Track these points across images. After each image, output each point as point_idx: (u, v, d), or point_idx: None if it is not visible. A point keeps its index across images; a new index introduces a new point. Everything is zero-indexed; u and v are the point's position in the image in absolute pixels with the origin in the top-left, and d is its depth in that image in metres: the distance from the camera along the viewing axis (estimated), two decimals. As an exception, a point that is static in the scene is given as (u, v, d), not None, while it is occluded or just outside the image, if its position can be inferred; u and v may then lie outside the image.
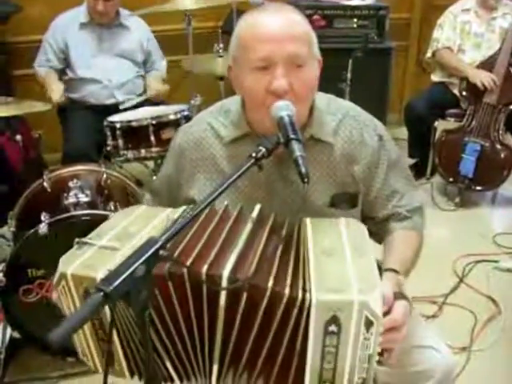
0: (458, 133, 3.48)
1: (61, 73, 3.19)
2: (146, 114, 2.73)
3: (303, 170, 1.06)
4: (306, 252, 1.11)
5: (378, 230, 1.46)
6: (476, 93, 3.38)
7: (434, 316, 2.55)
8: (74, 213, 2.15)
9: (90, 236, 1.23)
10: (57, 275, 1.13)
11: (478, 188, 3.47)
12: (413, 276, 2.74)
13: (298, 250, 1.14)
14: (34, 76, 3.23)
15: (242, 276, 1.02)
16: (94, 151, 2.88)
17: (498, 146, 3.38)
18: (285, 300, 1.01)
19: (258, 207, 1.24)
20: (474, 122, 3.41)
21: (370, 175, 1.40)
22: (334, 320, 1.00)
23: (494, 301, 2.63)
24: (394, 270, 1.28)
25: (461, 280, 2.80)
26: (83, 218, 2.14)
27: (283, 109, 1.17)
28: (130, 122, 2.64)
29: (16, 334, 2.23)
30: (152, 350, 1.07)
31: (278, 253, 1.10)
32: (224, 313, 1.04)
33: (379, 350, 1.06)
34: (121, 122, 2.65)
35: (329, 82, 3.46)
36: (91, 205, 2.24)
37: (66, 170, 2.47)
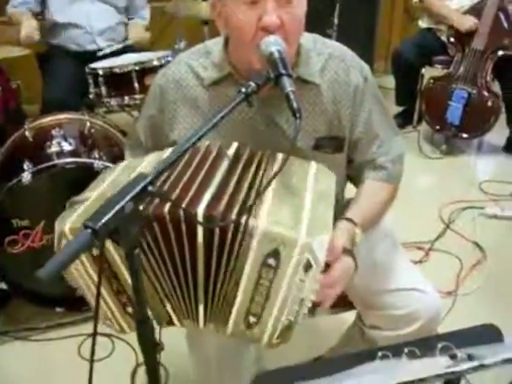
0: (445, 80, 3.45)
1: (37, 14, 3.06)
2: (129, 60, 2.65)
3: (295, 104, 1.03)
4: (271, 186, 1.10)
5: (355, 176, 1.45)
6: (464, 39, 3.34)
7: (420, 261, 2.57)
8: (57, 161, 2.11)
9: (79, 196, 1.20)
10: (56, 237, 1.11)
11: (465, 135, 3.47)
12: (400, 222, 2.77)
13: (261, 183, 1.13)
14: (10, 21, 3.07)
15: (215, 212, 1.03)
16: (74, 100, 2.79)
17: (485, 93, 3.36)
18: (233, 225, 1.02)
19: (235, 144, 1.23)
20: (461, 69, 3.38)
21: (353, 117, 1.36)
22: (275, 254, 1.00)
23: (479, 246, 2.66)
24: (353, 221, 1.27)
25: (447, 226, 2.83)
26: (67, 166, 2.10)
27: (273, 44, 1.13)
28: (112, 68, 2.57)
29: (3, 286, 2.21)
30: (149, 292, 1.09)
31: (246, 185, 1.12)
32: (203, 249, 1.05)
33: (312, 297, 1.06)
34: (103, 68, 2.58)
35: (316, 28, 3.42)
36: (75, 153, 2.19)
37: (49, 119, 2.40)
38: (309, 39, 1.36)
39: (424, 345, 0.90)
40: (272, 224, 1.01)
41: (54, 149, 2.16)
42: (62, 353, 2.11)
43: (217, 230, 1.03)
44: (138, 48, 3.08)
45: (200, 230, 1.03)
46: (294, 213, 1.05)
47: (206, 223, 1.01)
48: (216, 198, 1.06)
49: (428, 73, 3.59)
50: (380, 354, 0.92)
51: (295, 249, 1.00)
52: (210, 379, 1.51)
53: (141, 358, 2.04)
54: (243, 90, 1.04)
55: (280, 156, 1.23)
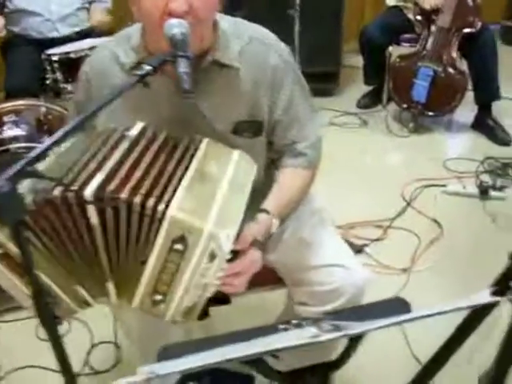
0: (412, 58, 3.45)
1: (1, 7, 3.07)
2: (84, 45, 2.66)
3: (185, 86, 1.05)
4: (187, 170, 1.14)
5: (276, 159, 1.47)
6: (429, 17, 3.33)
7: (378, 239, 2.60)
8: (9, 146, 2.14)
9: None
10: None
11: (431, 113, 3.47)
12: (362, 201, 2.81)
13: (177, 167, 1.16)
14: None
15: (106, 192, 1.05)
16: (37, 86, 2.81)
17: (451, 71, 3.35)
18: (147, 211, 1.05)
19: (139, 125, 1.25)
20: (427, 47, 3.37)
21: (272, 100, 1.37)
22: (182, 240, 1.05)
23: (438, 223, 2.68)
24: (269, 212, 1.31)
25: (408, 204, 2.85)
26: (19, 151, 2.12)
27: (175, 26, 1.14)
28: (67, 53, 2.58)
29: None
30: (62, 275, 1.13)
31: (158, 168, 1.14)
32: (100, 229, 1.08)
33: (216, 282, 1.13)
34: (59, 54, 2.59)
35: (275, 9, 3.42)
36: (29, 138, 2.22)
37: (4, 105, 2.42)
38: (229, 22, 1.36)
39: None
40: (182, 211, 1.05)
41: (6, 134, 2.19)
42: (19, 334, 2.14)
43: (109, 211, 1.05)
44: (101, 33, 3.08)
45: (93, 212, 1.05)
46: (207, 201, 1.09)
47: (96, 204, 1.04)
48: (108, 179, 1.08)
49: (395, 51, 3.59)
50: (282, 326, 0.96)
51: (201, 238, 1.04)
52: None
53: (96, 338, 2.11)
54: (138, 72, 1.06)
55: (201, 141, 1.25)
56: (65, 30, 3.06)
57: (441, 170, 3.13)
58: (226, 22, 1.35)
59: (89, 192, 1.05)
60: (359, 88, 3.94)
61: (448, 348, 1.29)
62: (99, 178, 1.08)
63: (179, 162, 1.18)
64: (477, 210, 2.80)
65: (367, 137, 3.55)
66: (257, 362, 1.05)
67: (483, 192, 2.88)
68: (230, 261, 1.14)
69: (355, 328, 0.79)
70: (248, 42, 1.35)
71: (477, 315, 1.29)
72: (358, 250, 2.50)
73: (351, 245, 2.51)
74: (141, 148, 1.19)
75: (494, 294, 1.26)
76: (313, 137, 1.44)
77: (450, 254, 2.49)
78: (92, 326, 2.13)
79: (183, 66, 1.07)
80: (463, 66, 3.43)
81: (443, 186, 2.97)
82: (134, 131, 1.23)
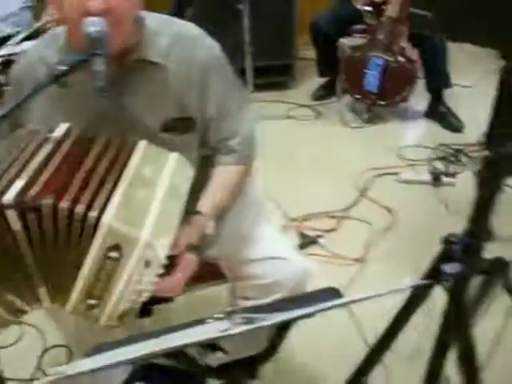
0: (363, 49, 3.46)
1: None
2: (27, 46, 2.60)
3: (98, 83, 1.04)
4: (123, 175, 1.12)
5: (211, 157, 1.46)
6: (378, 7, 3.35)
7: (332, 230, 2.61)
8: None
9: None
10: None
11: (383, 103, 3.50)
12: (317, 193, 2.82)
13: (110, 170, 1.14)
14: None
15: (26, 197, 1.03)
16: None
17: (402, 60, 3.37)
18: (76, 217, 1.03)
19: (63, 126, 1.22)
20: (377, 37, 3.39)
21: (203, 97, 1.36)
22: (117, 248, 1.04)
23: (391, 212, 2.70)
24: (203, 214, 1.32)
25: (361, 194, 2.87)
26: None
27: (92, 25, 1.12)
28: (10, 55, 2.53)
29: None
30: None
31: (85, 171, 1.12)
32: (24, 235, 1.05)
33: (152, 288, 1.13)
34: (1, 56, 2.53)
35: (224, 4, 3.40)
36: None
37: None
38: (156, 20, 1.35)
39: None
40: (117, 220, 1.03)
41: None
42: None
43: (32, 216, 1.03)
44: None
45: (13, 218, 1.03)
46: (142, 209, 1.09)
47: (16, 209, 1.02)
48: (31, 183, 1.06)
49: (346, 42, 3.61)
50: (210, 320, 0.96)
51: (137, 247, 1.04)
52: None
53: (49, 342, 2.08)
54: (54, 73, 1.04)
55: (136, 143, 1.24)
56: (8, 30, 2.99)
57: (395, 159, 3.15)
58: (153, 19, 1.34)
59: (8, 198, 1.02)
60: (315, 80, 3.95)
61: (391, 331, 1.32)
62: (20, 182, 1.06)
63: (112, 165, 1.16)
64: (429, 197, 2.83)
65: (322, 128, 3.55)
66: (178, 356, 1.05)
67: (436, 179, 2.91)
68: (165, 266, 1.14)
69: (268, 320, 0.79)
70: (175, 39, 1.34)
71: (414, 299, 1.32)
72: (312, 241, 2.51)
73: (305, 236, 2.53)
74: (65, 150, 1.17)
75: (429, 277, 1.29)
76: (245, 132, 1.43)
77: (403, 241, 2.52)
78: (45, 331, 2.10)
79: (97, 65, 1.06)
80: (414, 55, 3.46)
81: (396, 174, 3.00)
82: (58, 132, 1.21)
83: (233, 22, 3.26)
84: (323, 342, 1.99)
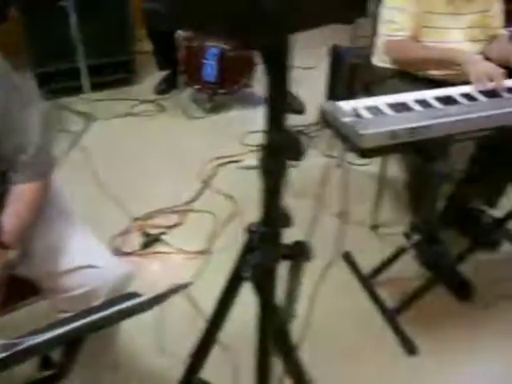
0: (200, 39, 3.44)
1: None
2: None
3: None
4: None
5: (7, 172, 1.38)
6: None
7: (176, 225, 2.58)
8: None
9: None
10: None
11: (224, 91, 3.51)
12: (161, 189, 2.77)
13: None
14: None
15: None
16: None
17: (237, 47, 3.40)
18: None
19: None
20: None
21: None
22: None
23: (234, 200, 2.72)
24: (3, 244, 1.29)
25: (205, 185, 2.86)
26: None
27: None
28: None
29: None
30: None
31: None
32: None
33: None
34: None
35: (46, 2, 3.21)
36: None
37: None
38: None
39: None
40: None
41: None
42: None
43: None
44: None
45: None
46: None
47: None
48: None
49: (182, 34, 3.55)
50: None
51: None
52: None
53: None
54: None
55: None
56: None
57: (239, 146, 3.17)
58: None
59: None
60: (157, 74, 3.88)
61: (212, 325, 1.33)
62: None
63: None
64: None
65: (166, 123, 3.50)
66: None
67: (277, 162, 2.95)
68: None
69: (25, 343, 0.74)
70: None
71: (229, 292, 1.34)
72: (155, 239, 2.46)
73: (148, 235, 2.48)
74: None
75: (237, 268, 1.31)
76: (35, 144, 1.37)
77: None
78: None
79: None
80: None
81: (240, 161, 3.02)
82: None
83: (58, 21, 3.10)
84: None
